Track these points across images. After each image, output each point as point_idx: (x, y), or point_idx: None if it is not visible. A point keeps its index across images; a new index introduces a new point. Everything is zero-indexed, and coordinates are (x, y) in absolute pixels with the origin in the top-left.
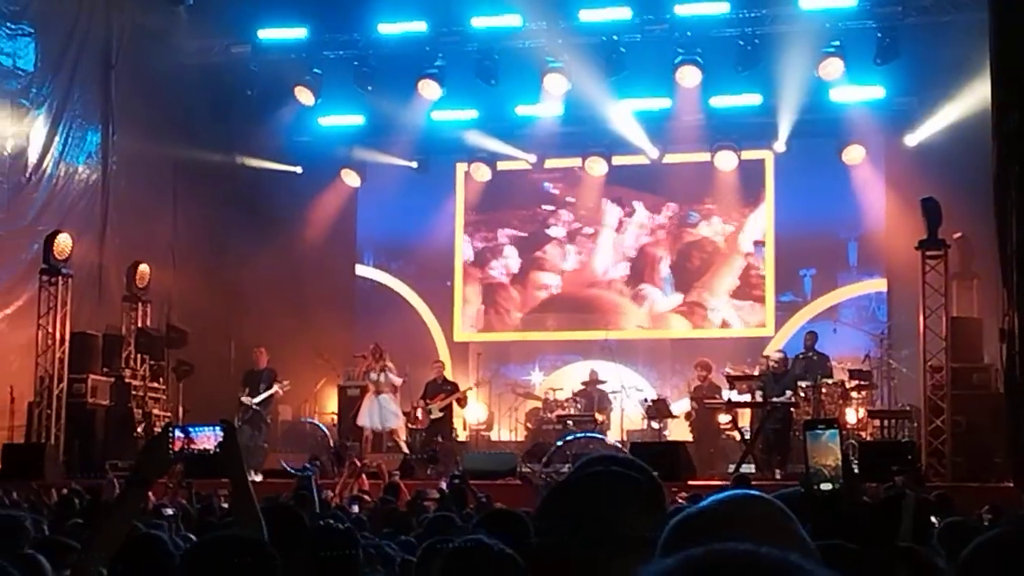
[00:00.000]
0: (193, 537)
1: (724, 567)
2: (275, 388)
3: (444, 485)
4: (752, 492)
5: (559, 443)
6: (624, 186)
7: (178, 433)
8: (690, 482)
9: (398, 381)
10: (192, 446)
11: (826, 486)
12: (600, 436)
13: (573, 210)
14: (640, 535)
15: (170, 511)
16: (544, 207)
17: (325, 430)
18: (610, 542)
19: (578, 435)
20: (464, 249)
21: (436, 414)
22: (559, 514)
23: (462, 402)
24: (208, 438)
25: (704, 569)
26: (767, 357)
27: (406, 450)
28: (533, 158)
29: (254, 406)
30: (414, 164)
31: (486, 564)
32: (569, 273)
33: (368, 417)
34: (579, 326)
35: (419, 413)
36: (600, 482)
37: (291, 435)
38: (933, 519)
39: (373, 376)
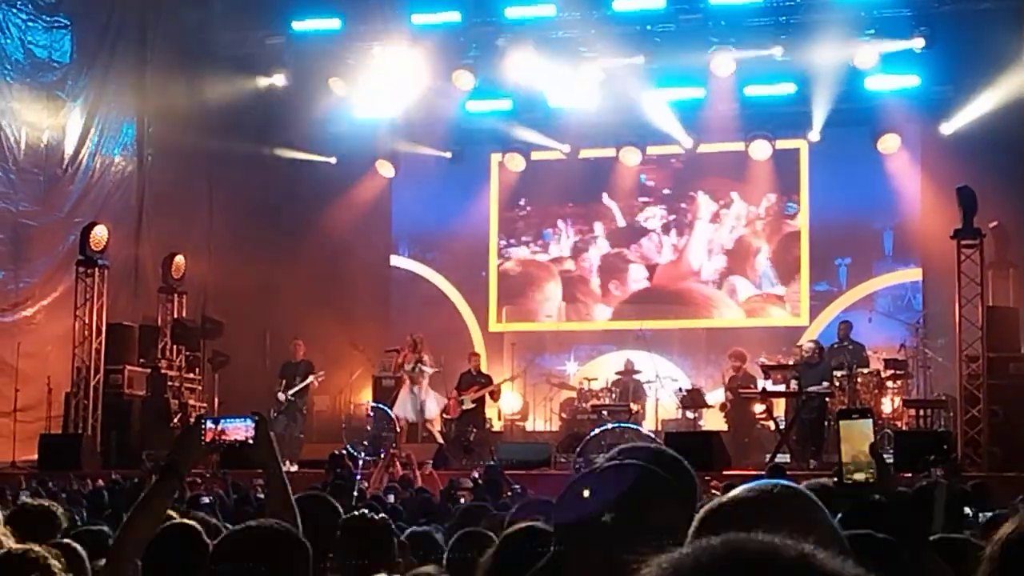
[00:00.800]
0: (229, 526)
1: (742, 557)
2: (310, 379)
3: (476, 475)
4: (781, 481)
5: (592, 433)
6: (721, 177)
7: (210, 424)
8: (725, 472)
9: (430, 371)
10: (224, 437)
11: (859, 476)
12: (635, 426)
13: (668, 202)
14: (661, 523)
15: (207, 499)
16: (641, 199)
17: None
18: (629, 529)
19: (612, 425)
20: (538, 242)
21: (468, 405)
22: (578, 501)
23: (495, 395)
24: (240, 429)
25: (722, 559)
26: (801, 347)
27: (440, 440)
28: (567, 148)
29: (289, 398)
30: (448, 154)
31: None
32: (663, 266)
33: (403, 408)
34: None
35: (452, 404)
36: (624, 472)
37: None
38: (968, 510)
39: (408, 367)
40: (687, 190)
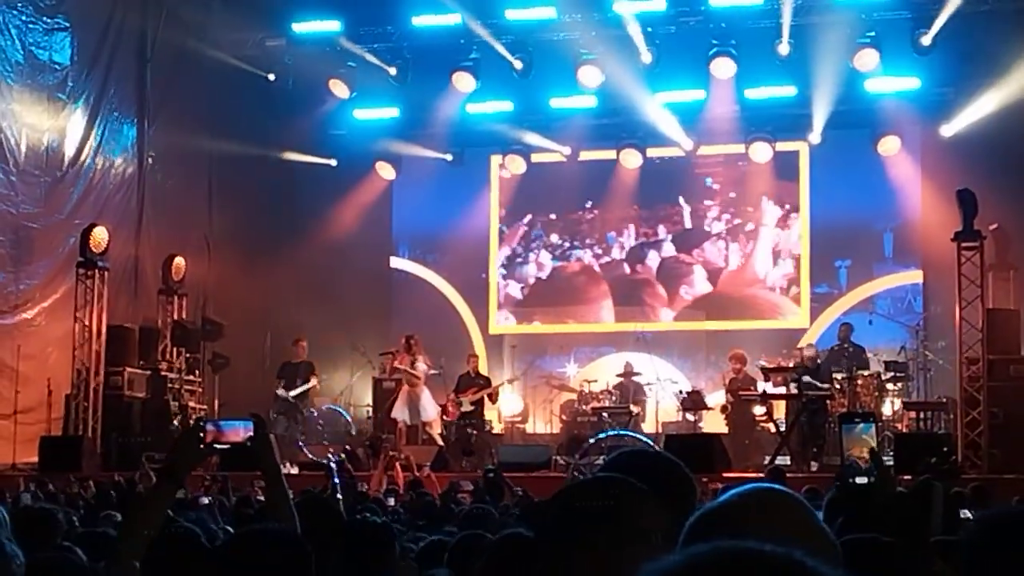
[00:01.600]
0: (230, 529)
1: (729, 564)
2: (312, 383)
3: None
4: (772, 485)
5: (592, 440)
6: (785, 180)
7: (209, 427)
8: (725, 474)
9: (423, 368)
10: (223, 439)
11: (861, 479)
12: (631, 433)
13: (733, 205)
14: (646, 527)
15: (206, 500)
16: (706, 202)
17: (348, 419)
18: (610, 538)
19: (612, 432)
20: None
21: (466, 407)
22: (559, 512)
23: (493, 397)
24: (238, 431)
25: (709, 566)
26: (801, 349)
27: (440, 442)
28: (567, 150)
29: (290, 398)
30: (448, 156)
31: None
32: (729, 271)
33: (401, 410)
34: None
35: (450, 406)
36: (603, 484)
37: (325, 423)
38: (966, 512)
39: (403, 368)
40: (750, 194)
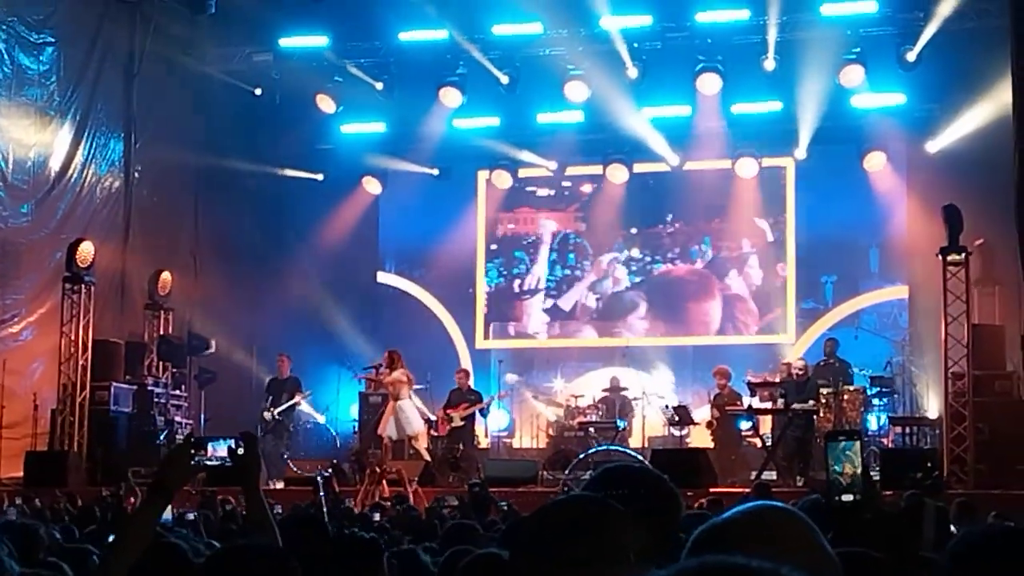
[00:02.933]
0: (216, 544)
1: None
2: (297, 398)
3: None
4: (775, 503)
5: (581, 455)
6: (771, 196)
7: (200, 447)
8: (711, 489)
9: (402, 378)
10: (212, 458)
11: (847, 497)
12: (621, 448)
13: (721, 222)
14: (620, 545)
15: (191, 516)
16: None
17: (335, 433)
18: (587, 551)
19: (601, 447)
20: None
21: (457, 423)
22: (538, 526)
23: (484, 412)
24: (227, 450)
25: None
26: (788, 364)
27: (427, 457)
28: (554, 165)
29: (276, 416)
30: (435, 171)
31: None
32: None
33: (388, 426)
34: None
35: (440, 422)
36: (577, 503)
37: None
38: (953, 528)
39: (384, 379)
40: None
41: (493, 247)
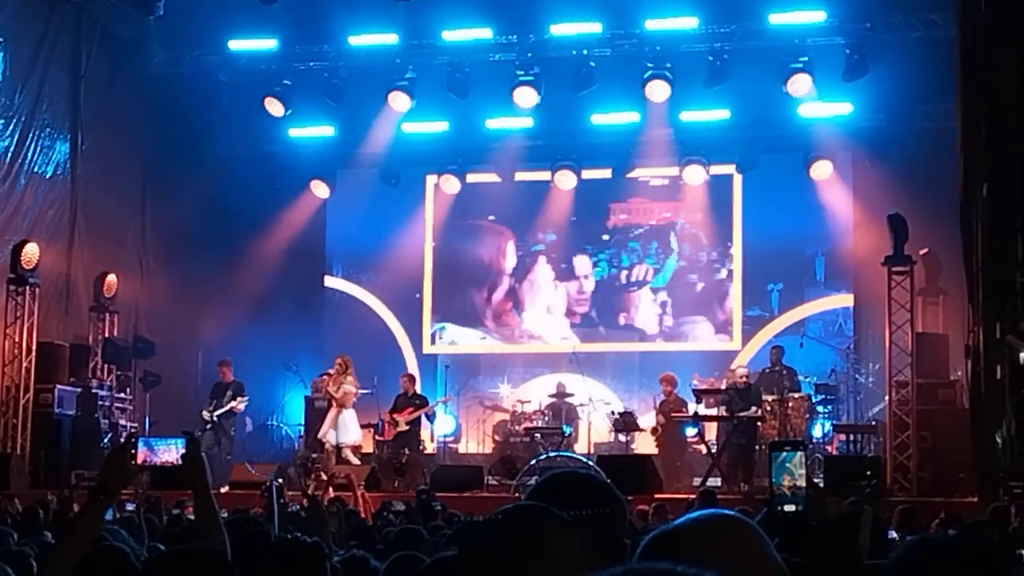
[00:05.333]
0: (161, 547)
1: None
2: (235, 402)
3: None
4: (725, 511)
5: (534, 460)
6: (719, 203)
7: (141, 446)
8: (656, 495)
9: (352, 389)
10: (154, 459)
11: (790, 508)
12: (573, 455)
13: (668, 226)
14: (559, 553)
15: (131, 507)
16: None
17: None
18: (525, 559)
19: (552, 453)
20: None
21: (402, 427)
22: (478, 536)
23: (430, 416)
24: (171, 450)
25: None
26: (734, 371)
27: (356, 462)
28: (503, 171)
29: (214, 418)
30: (383, 176)
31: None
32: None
33: (328, 431)
34: None
35: (385, 426)
36: (520, 512)
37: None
38: (893, 534)
39: (332, 389)
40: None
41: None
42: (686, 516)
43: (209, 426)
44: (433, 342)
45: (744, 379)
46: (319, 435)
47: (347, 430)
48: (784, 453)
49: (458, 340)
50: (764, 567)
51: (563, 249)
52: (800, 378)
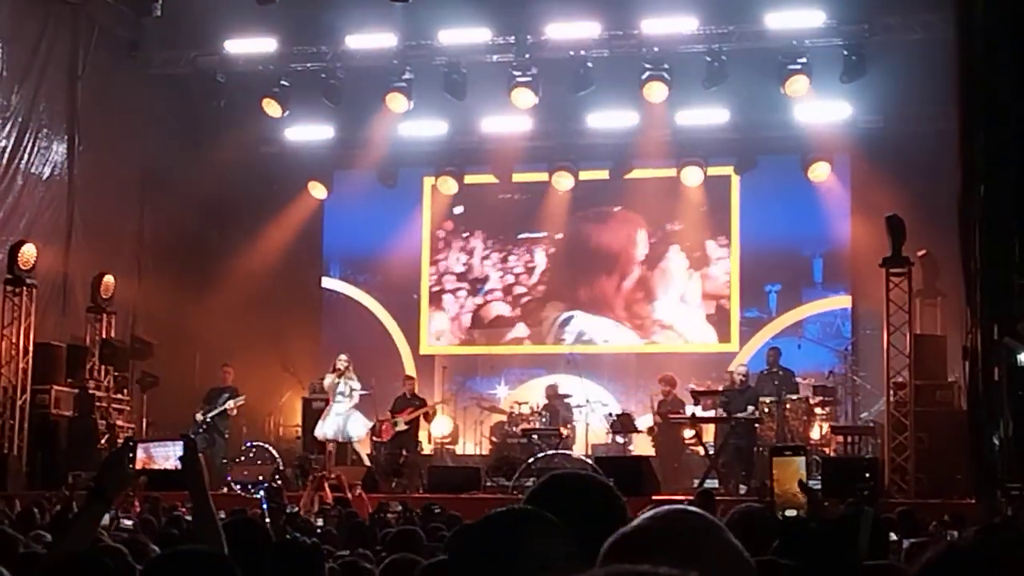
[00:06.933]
0: (157, 549)
1: None
2: (229, 404)
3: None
4: (684, 507)
5: (531, 460)
6: (716, 204)
7: (140, 451)
8: (654, 497)
9: (357, 386)
10: (153, 463)
11: (791, 512)
12: (567, 454)
13: (666, 230)
14: (550, 555)
15: (128, 523)
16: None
17: (275, 454)
18: (517, 560)
19: (550, 452)
20: None
21: (401, 427)
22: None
23: (429, 417)
24: (169, 455)
25: None
26: (731, 373)
27: (367, 462)
28: (500, 172)
29: (207, 420)
30: (381, 177)
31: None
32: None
33: (329, 428)
34: None
35: (384, 427)
36: (510, 516)
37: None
38: (893, 535)
39: (331, 381)
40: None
41: None
42: (646, 515)
43: (203, 428)
44: (562, 332)
45: (743, 379)
46: (315, 432)
47: (353, 425)
48: (785, 458)
49: (587, 330)
50: (727, 561)
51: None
52: (798, 379)
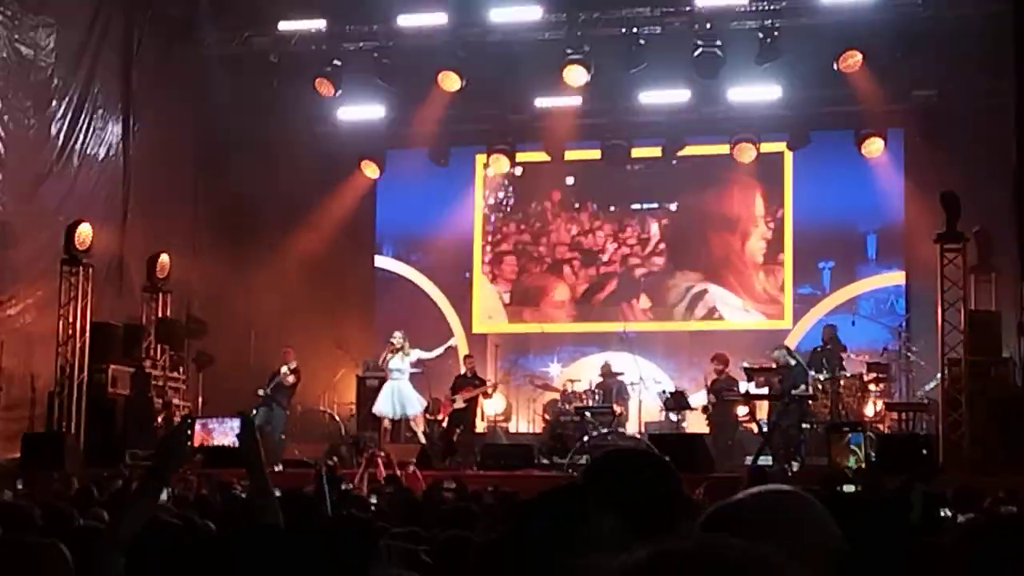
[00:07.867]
0: (213, 526)
1: (693, 558)
2: (284, 372)
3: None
4: (785, 487)
5: (586, 438)
6: (769, 181)
7: (198, 428)
8: (708, 475)
9: (413, 357)
10: (211, 441)
11: (848, 488)
12: (621, 430)
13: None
14: (608, 532)
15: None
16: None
17: (340, 421)
18: (573, 537)
19: (604, 431)
20: None
21: (459, 404)
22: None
23: (487, 395)
24: (226, 432)
25: (673, 560)
26: (772, 356)
27: (423, 440)
28: (553, 150)
29: (267, 391)
30: (433, 155)
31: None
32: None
33: (387, 404)
34: None
35: (443, 405)
36: (561, 492)
37: (307, 423)
38: (946, 511)
39: (391, 359)
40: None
41: None
42: (746, 492)
43: (262, 402)
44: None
45: (775, 363)
46: (373, 409)
47: (410, 402)
48: (845, 434)
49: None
50: (821, 540)
51: None
52: (852, 356)
